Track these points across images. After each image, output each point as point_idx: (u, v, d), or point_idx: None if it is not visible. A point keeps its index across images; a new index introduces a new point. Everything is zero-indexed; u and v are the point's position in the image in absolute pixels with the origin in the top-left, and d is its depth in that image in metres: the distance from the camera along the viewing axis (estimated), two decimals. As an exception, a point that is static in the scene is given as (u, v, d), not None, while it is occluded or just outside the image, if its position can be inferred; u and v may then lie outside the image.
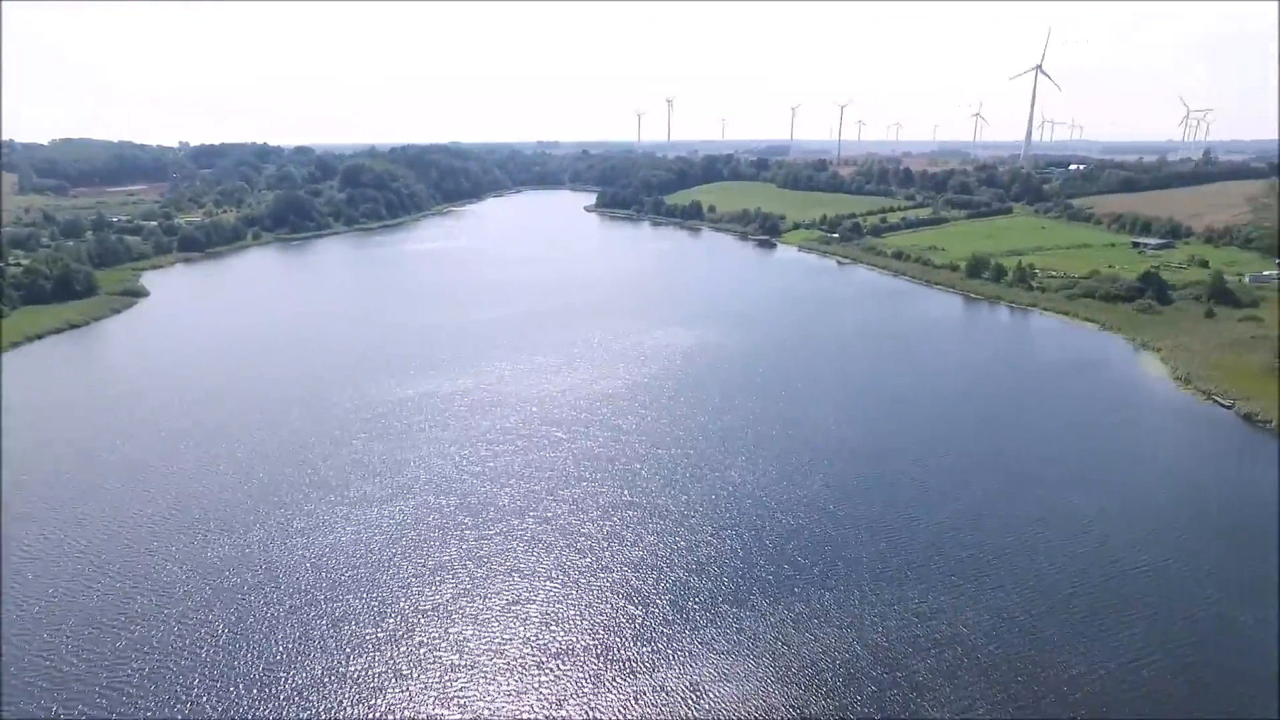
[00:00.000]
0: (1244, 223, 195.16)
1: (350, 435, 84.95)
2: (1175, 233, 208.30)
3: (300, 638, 51.75)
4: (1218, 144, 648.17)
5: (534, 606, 55.14)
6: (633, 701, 46.18)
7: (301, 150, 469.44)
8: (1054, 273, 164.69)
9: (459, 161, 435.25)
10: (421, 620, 53.57)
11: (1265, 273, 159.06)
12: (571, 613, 54.51)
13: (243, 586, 57.35)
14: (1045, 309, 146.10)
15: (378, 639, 51.68)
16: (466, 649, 50.72)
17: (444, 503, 70.03)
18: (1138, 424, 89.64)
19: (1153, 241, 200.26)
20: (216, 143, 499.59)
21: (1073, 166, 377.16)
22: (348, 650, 50.60)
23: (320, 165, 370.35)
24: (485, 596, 56.22)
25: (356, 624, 53.17)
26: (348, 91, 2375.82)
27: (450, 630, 52.52)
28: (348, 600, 55.72)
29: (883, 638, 51.28)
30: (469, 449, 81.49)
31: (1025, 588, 56.65)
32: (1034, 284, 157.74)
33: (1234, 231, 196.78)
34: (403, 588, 57.27)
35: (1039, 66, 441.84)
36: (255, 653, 50.32)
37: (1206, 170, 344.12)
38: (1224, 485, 74.52)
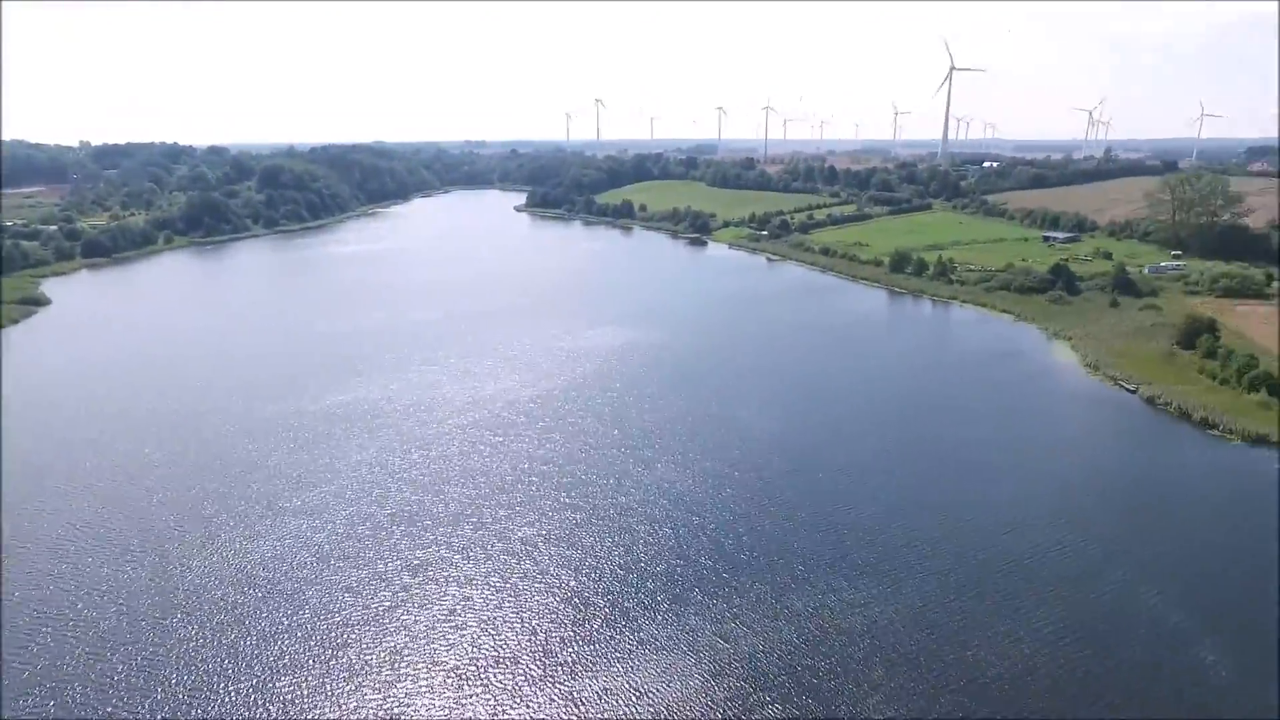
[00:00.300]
0: (1142, 217, 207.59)
1: (275, 445, 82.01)
2: (1081, 226, 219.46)
3: (226, 657, 49.75)
4: (1117, 142, 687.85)
5: (472, 614, 54.37)
6: (574, 704, 46.04)
7: (215, 150, 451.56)
8: (972, 266, 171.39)
9: (383, 161, 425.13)
10: (354, 634, 52.16)
11: (1162, 264, 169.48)
12: (511, 618, 53.98)
13: (163, 606, 54.76)
14: (965, 301, 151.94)
15: (309, 655, 50.09)
16: (403, 660, 49.65)
17: (376, 512, 68.33)
18: (1051, 410, 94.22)
19: (1061, 235, 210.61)
20: (122, 142, 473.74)
21: (987, 164, 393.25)
22: (277, 668, 48.89)
23: (236, 166, 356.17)
24: (421, 606, 55.14)
25: (286, 640, 51.41)
26: (263, 89, 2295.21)
27: (385, 642, 51.31)
28: (276, 616, 53.82)
29: (817, 627, 52.45)
30: (401, 456, 79.74)
31: (949, 571, 58.78)
32: (953, 277, 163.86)
33: (1133, 225, 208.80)
34: (334, 601, 55.65)
35: (953, 67, 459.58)
36: (177, 676, 48.10)
37: (1108, 167, 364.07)
38: (1130, 467, 79.13)
